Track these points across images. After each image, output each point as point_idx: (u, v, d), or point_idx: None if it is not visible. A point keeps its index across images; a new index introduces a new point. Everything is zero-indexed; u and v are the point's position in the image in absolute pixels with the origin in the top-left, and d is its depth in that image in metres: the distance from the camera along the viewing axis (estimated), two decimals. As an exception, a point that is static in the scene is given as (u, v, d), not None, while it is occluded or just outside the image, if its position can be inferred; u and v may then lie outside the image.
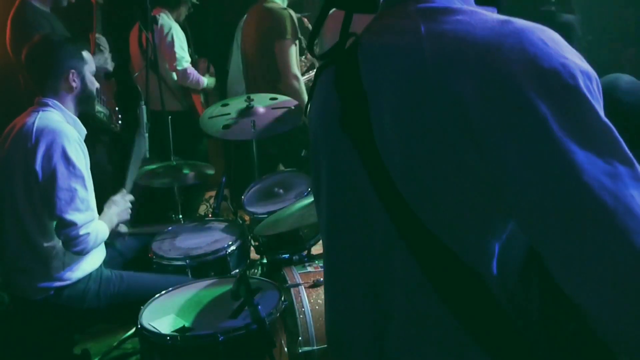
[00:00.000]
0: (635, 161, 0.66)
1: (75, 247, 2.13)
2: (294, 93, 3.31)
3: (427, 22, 0.77)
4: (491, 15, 0.76)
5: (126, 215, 2.43)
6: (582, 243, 0.64)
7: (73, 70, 2.26)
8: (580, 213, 0.64)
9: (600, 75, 0.71)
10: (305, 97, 3.25)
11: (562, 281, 0.67)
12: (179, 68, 3.89)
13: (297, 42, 3.38)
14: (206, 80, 4.13)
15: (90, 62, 2.35)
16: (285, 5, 3.48)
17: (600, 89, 0.69)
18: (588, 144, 0.65)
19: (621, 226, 0.63)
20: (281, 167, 3.57)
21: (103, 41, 3.46)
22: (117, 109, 3.48)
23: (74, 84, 2.27)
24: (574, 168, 0.64)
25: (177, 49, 3.87)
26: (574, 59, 0.69)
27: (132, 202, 2.48)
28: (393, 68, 0.79)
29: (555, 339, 0.78)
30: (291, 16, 3.34)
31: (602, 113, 0.67)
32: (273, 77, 3.41)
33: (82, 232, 2.12)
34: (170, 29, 3.87)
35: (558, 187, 0.65)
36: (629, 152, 0.66)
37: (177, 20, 4.02)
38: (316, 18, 0.92)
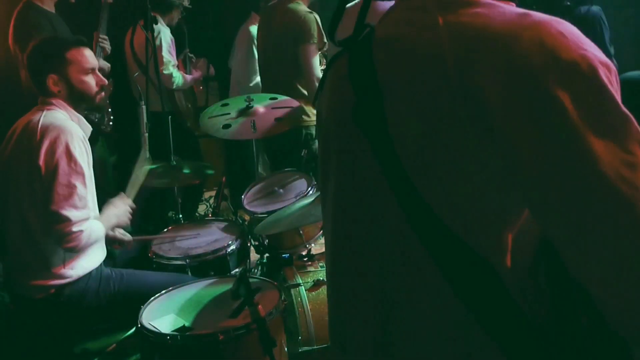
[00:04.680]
0: None
1: (67, 243, 2.12)
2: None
3: (445, 15, 0.77)
4: (509, 8, 0.76)
5: (125, 219, 2.42)
6: (598, 233, 0.64)
7: (53, 75, 2.22)
8: (597, 202, 0.64)
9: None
10: None
11: (577, 273, 0.67)
12: (165, 72, 3.90)
13: (324, 45, 3.38)
14: (189, 77, 4.15)
15: (77, 62, 2.26)
16: (308, 9, 3.46)
17: (619, 81, 0.69)
18: (607, 133, 0.65)
19: (637, 215, 0.63)
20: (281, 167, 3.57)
21: (105, 42, 3.46)
22: (110, 110, 3.48)
23: (56, 88, 2.24)
24: (592, 157, 0.64)
25: (164, 52, 3.90)
26: (593, 51, 0.69)
27: (132, 208, 2.47)
28: (410, 61, 0.78)
29: (567, 332, 0.78)
30: (317, 20, 3.34)
31: (621, 103, 0.67)
32: (293, 78, 3.40)
33: (75, 228, 2.11)
34: (159, 32, 3.89)
35: (575, 176, 0.65)
36: None
37: (169, 24, 4.07)
38: (336, 7, 0.91)
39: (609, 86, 0.67)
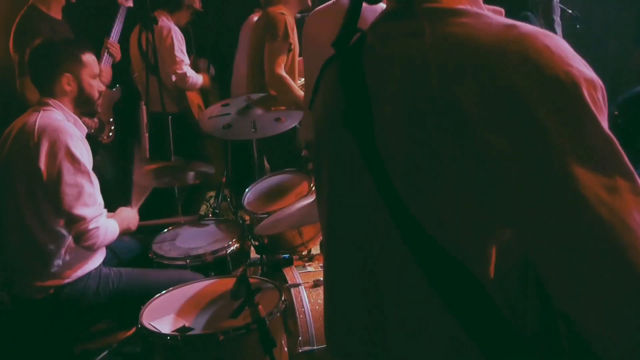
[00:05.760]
0: (636, 175, 0.65)
1: (85, 241, 2.15)
2: (280, 94, 3.32)
3: (432, 24, 0.77)
4: (497, 18, 0.75)
5: (135, 224, 2.48)
6: (576, 256, 0.64)
7: (67, 74, 2.25)
8: (576, 226, 0.64)
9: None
10: (293, 97, 3.27)
11: (554, 292, 0.67)
12: (178, 71, 3.89)
13: (290, 45, 3.38)
14: (201, 78, 4.13)
15: (90, 66, 2.32)
16: (283, 11, 3.47)
17: (606, 98, 0.68)
18: (587, 156, 0.64)
19: (616, 240, 0.62)
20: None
21: (115, 47, 3.45)
22: (111, 119, 3.45)
23: (67, 88, 2.26)
24: (571, 180, 0.63)
25: (176, 51, 3.87)
26: (579, 67, 0.67)
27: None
28: (397, 69, 0.78)
29: (553, 343, 0.78)
30: (286, 21, 3.35)
31: (604, 124, 0.66)
32: (263, 79, 3.42)
33: (91, 226, 2.14)
34: (169, 31, 3.86)
35: (554, 199, 0.64)
36: (630, 166, 0.65)
37: (177, 24, 4.02)
38: (348, 12, 0.89)
39: (592, 106, 0.65)
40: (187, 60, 3.98)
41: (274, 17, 3.36)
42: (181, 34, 3.98)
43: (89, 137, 2.34)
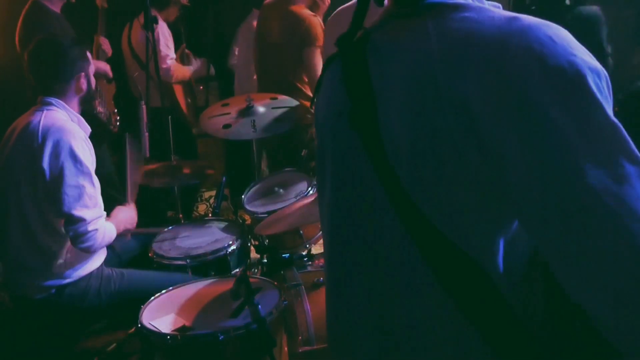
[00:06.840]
0: None
1: (83, 243, 2.14)
2: None
3: (435, 19, 0.77)
4: (499, 11, 0.75)
5: (134, 225, 2.49)
6: (584, 247, 0.64)
7: (83, 73, 2.28)
8: (583, 216, 0.63)
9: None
10: None
11: (564, 283, 0.67)
12: (163, 66, 3.90)
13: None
14: (189, 69, 4.16)
15: (91, 62, 2.37)
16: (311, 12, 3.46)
17: (610, 87, 0.68)
18: (594, 144, 0.64)
19: (624, 229, 0.62)
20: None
21: (107, 44, 3.47)
22: (115, 110, 3.49)
23: (84, 87, 2.29)
24: (578, 169, 0.63)
25: (161, 46, 3.89)
26: (583, 56, 0.67)
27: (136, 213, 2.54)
28: (401, 66, 0.78)
29: (560, 335, 0.78)
30: (320, 24, 3.34)
31: (610, 112, 0.66)
32: (295, 80, 3.41)
33: (90, 228, 2.14)
34: (155, 27, 3.89)
35: (561, 189, 0.64)
36: (637, 152, 0.65)
37: (166, 20, 4.06)
38: (355, 11, 0.89)
39: (598, 94, 0.65)
40: (172, 55, 4.02)
41: (309, 21, 3.31)
42: (169, 30, 4.03)
43: (99, 128, 2.34)
